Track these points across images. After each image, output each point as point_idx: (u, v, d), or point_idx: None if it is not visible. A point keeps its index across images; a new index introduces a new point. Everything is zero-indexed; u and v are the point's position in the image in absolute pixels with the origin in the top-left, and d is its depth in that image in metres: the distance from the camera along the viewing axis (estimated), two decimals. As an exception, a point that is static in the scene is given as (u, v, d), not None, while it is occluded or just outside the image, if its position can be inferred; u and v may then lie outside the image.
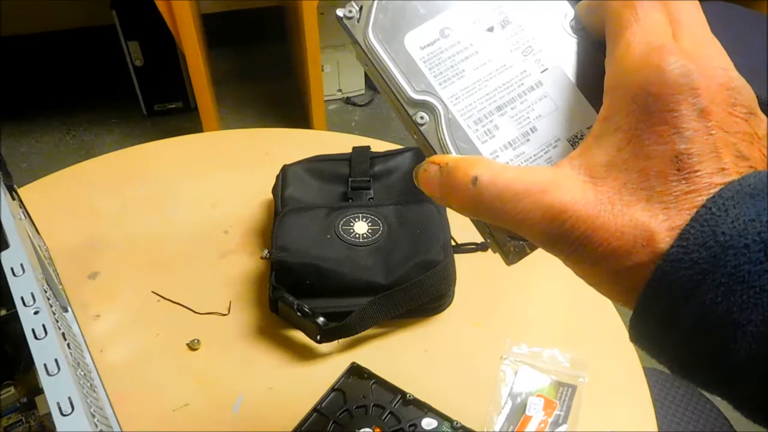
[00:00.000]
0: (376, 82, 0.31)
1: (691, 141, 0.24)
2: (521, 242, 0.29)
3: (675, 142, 0.24)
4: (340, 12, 0.31)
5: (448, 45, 0.31)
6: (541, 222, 0.26)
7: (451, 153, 0.30)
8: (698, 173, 0.24)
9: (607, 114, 0.27)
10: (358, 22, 0.31)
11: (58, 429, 0.37)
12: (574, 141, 0.30)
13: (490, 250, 0.31)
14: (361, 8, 0.31)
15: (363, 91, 2.20)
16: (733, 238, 0.22)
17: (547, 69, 0.31)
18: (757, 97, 0.26)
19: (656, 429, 0.56)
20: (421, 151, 0.31)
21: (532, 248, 0.30)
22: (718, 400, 0.89)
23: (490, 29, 0.31)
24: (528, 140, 0.30)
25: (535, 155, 0.30)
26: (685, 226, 0.23)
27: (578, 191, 0.25)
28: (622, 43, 0.27)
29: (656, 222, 0.24)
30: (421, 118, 0.30)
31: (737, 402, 0.23)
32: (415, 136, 0.31)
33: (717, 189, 0.23)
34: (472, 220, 0.30)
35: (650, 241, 0.24)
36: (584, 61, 0.31)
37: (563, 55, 0.31)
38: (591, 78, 0.31)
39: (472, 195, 0.27)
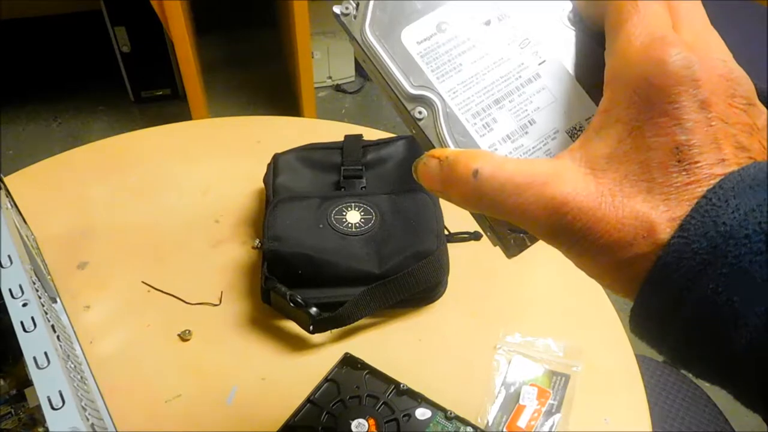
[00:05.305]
0: (374, 77, 0.31)
1: (692, 132, 0.24)
2: (521, 235, 0.30)
3: (676, 134, 0.24)
4: (337, 9, 0.31)
5: (445, 39, 0.31)
6: (542, 214, 0.26)
7: (449, 147, 0.30)
8: (699, 164, 0.24)
9: (607, 106, 0.27)
10: (354, 18, 0.31)
11: (48, 423, 0.36)
12: (572, 133, 0.30)
13: (489, 242, 0.31)
14: (357, 5, 0.31)
15: (353, 79, 2.19)
16: (734, 229, 0.22)
17: (544, 61, 0.31)
18: (755, 87, 0.26)
19: (648, 417, 0.56)
20: (420, 145, 0.31)
21: (533, 240, 0.30)
22: (709, 387, 0.90)
23: (487, 23, 0.31)
24: (526, 133, 0.30)
25: (533, 147, 0.30)
26: (685, 217, 0.23)
27: (579, 183, 0.25)
28: (623, 35, 0.27)
29: (657, 213, 0.24)
30: (419, 112, 0.30)
31: (737, 392, 0.24)
32: (414, 131, 0.31)
33: (717, 180, 0.24)
34: (471, 213, 0.30)
35: (651, 232, 0.24)
36: (582, 53, 0.31)
37: (561, 48, 0.31)
38: (589, 69, 0.31)
39: (474, 188, 0.27)
